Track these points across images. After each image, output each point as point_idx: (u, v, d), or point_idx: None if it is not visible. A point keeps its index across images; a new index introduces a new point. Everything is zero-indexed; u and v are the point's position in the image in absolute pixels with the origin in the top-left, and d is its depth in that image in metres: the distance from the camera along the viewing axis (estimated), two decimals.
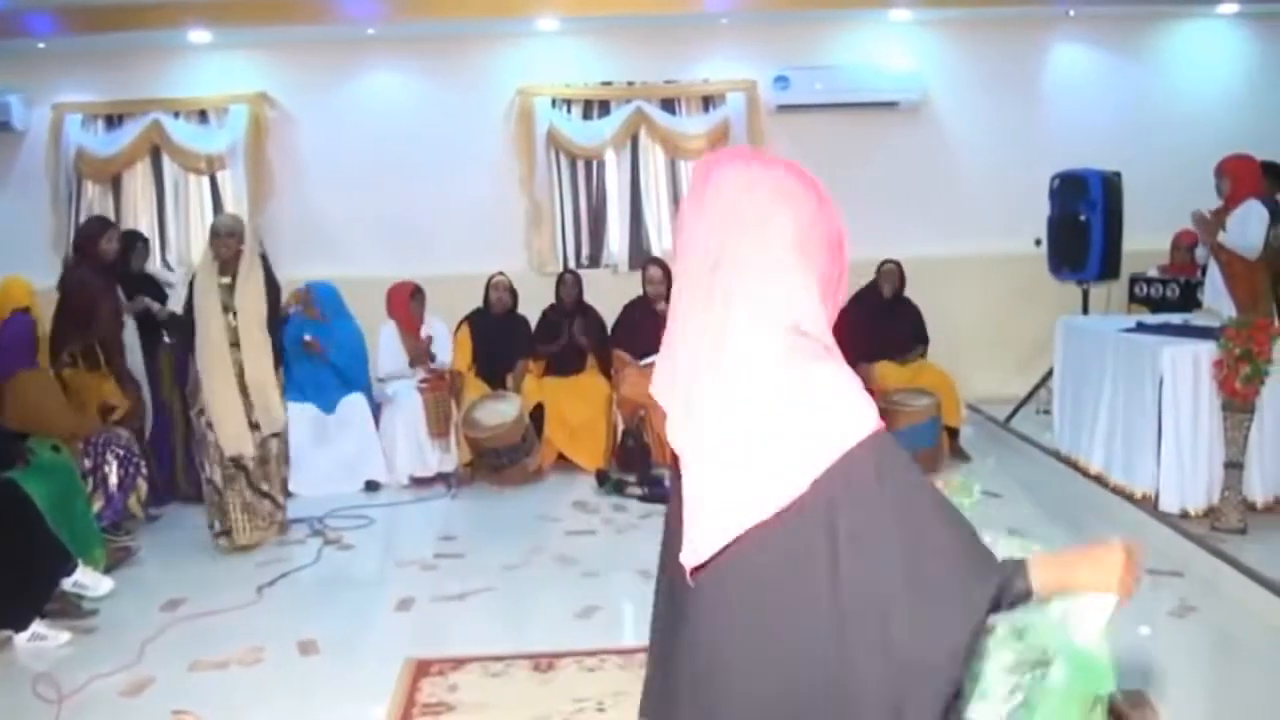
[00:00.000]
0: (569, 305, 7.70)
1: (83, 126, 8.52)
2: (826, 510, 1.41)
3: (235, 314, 5.76)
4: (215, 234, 5.83)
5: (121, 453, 5.79)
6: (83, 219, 8.33)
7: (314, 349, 7.03)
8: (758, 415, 1.45)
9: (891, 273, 7.59)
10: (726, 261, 1.54)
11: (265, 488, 5.91)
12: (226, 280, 5.80)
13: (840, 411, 1.45)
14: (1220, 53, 8.88)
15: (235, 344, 5.75)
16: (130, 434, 5.94)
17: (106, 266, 6.18)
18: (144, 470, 5.93)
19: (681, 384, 1.54)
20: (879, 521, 1.40)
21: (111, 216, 8.11)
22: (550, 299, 7.80)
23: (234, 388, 5.75)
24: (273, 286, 5.94)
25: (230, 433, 5.75)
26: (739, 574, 1.50)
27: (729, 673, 1.54)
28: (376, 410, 7.24)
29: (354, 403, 7.11)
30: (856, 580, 1.40)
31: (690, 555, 1.50)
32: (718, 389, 1.48)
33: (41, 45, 8.23)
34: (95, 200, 8.55)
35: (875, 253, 7.66)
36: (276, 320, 6.00)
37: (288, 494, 6.24)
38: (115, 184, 8.59)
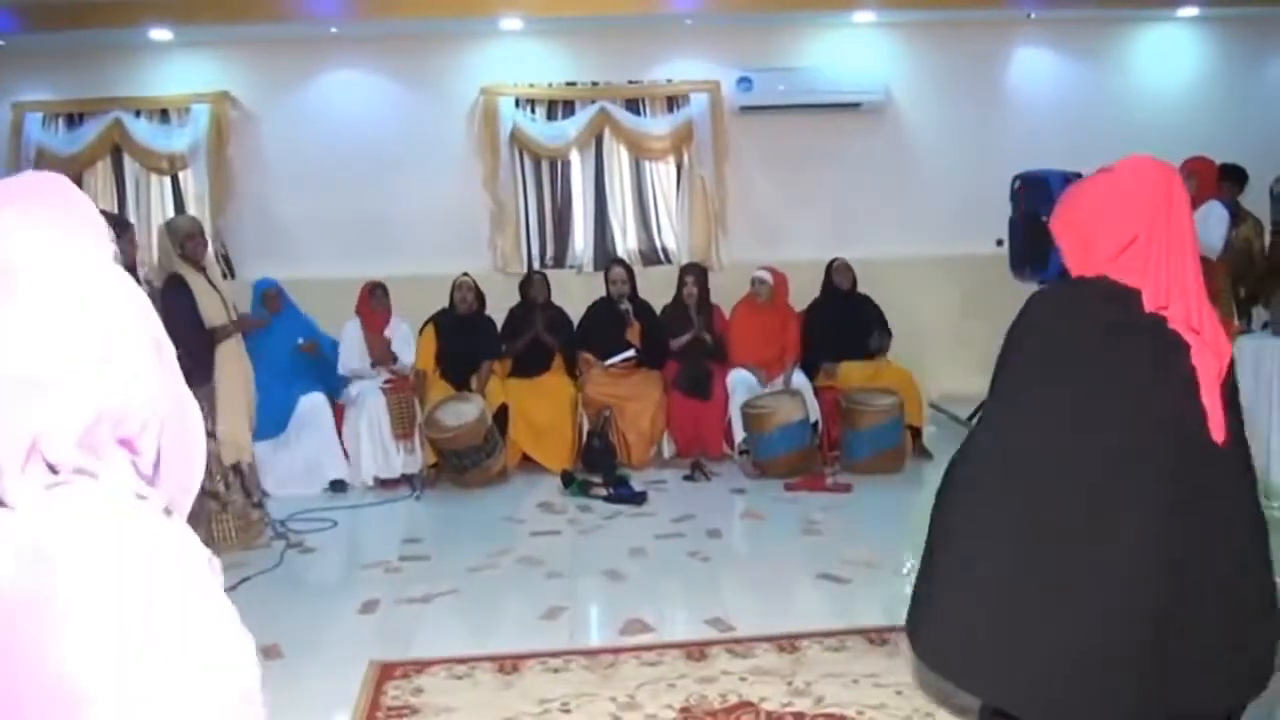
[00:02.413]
0: (536, 305, 7.70)
1: (43, 125, 8.43)
2: None
3: (236, 311, 5.86)
4: (188, 235, 5.72)
5: None
6: None
7: (312, 350, 7.05)
8: None
9: (844, 267, 7.68)
10: None
11: (256, 498, 5.96)
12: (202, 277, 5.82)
13: None
14: (1180, 56, 8.98)
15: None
16: None
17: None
18: None
19: None
20: None
21: None
22: (515, 299, 7.79)
23: (246, 390, 5.77)
24: None
25: (244, 439, 5.76)
26: None
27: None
28: (338, 411, 7.22)
29: (313, 401, 7.08)
30: None
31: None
32: None
33: (1, 43, 8.14)
34: None
35: (837, 253, 7.72)
36: None
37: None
38: (76, 183, 8.41)
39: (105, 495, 0.96)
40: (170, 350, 1.03)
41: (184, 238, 5.71)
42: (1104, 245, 2.36)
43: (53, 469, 0.94)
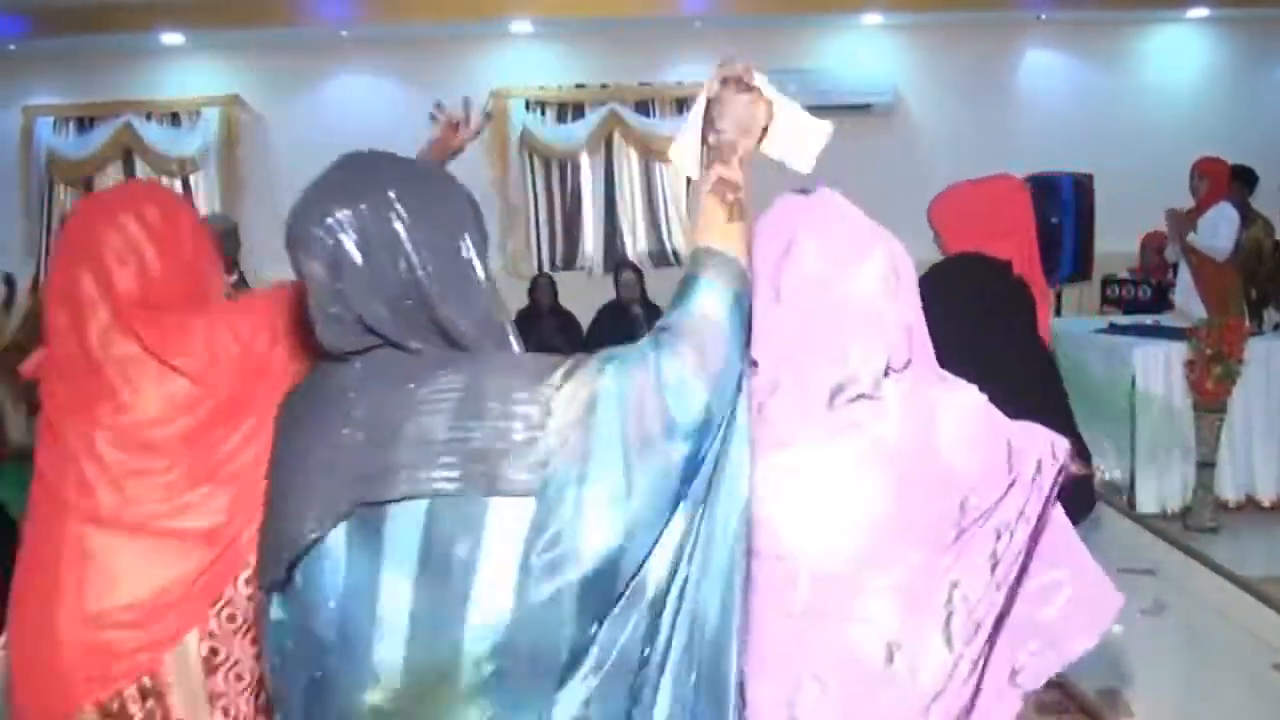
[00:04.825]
0: (544, 308, 7.69)
1: (54, 129, 8.46)
2: None
3: None
4: (224, 235, 5.75)
5: None
6: (54, 223, 8.29)
7: None
8: None
9: None
10: None
11: None
12: (233, 279, 5.82)
13: None
14: (1189, 56, 8.95)
15: None
16: None
17: None
18: None
19: None
20: None
21: None
22: (525, 302, 7.79)
23: None
24: None
25: None
26: None
27: None
28: None
29: None
30: None
31: None
32: None
33: (12, 47, 8.17)
34: (67, 204, 8.48)
35: None
36: None
37: None
38: (87, 187, 8.52)
39: (921, 380, 1.62)
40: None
41: (223, 236, 5.73)
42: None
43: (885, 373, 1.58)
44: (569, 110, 8.67)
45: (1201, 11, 8.70)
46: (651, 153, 8.66)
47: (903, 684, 1.52)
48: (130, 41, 8.18)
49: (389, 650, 1.24)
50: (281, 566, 1.33)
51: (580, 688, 1.24)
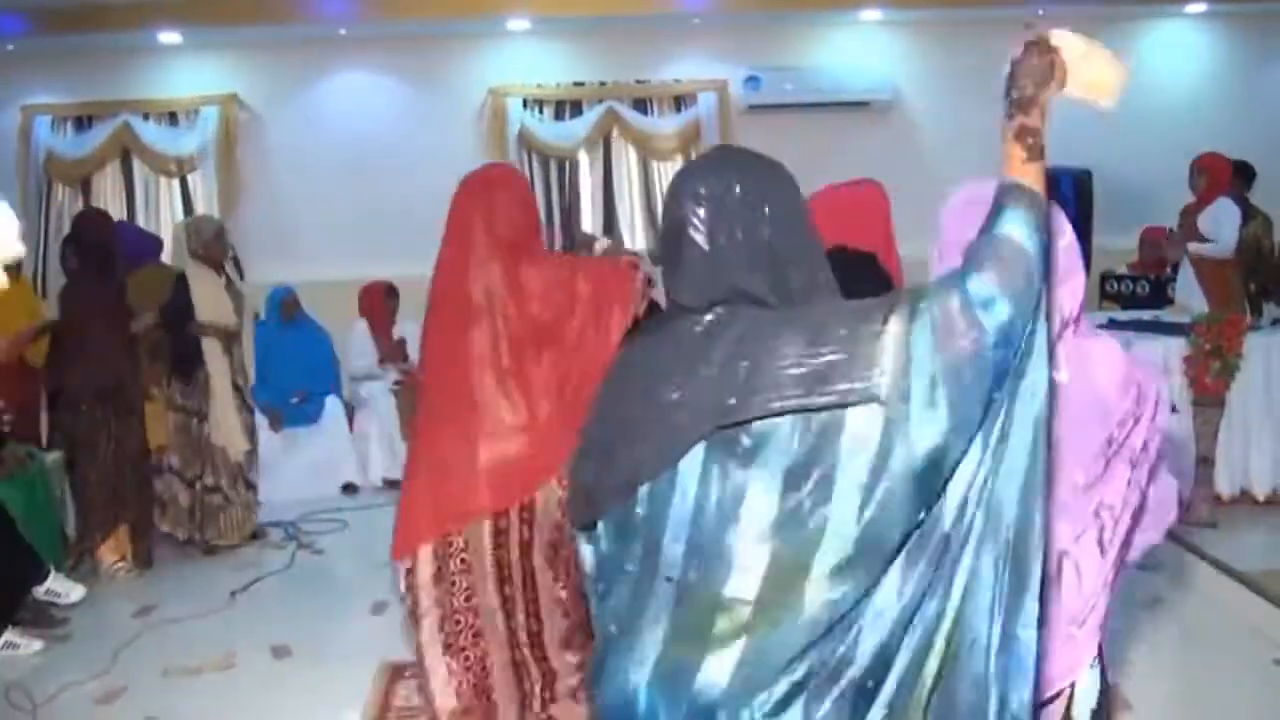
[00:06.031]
0: None
1: (52, 128, 8.45)
2: None
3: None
4: (215, 236, 5.82)
5: None
6: (52, 223, 8.29)
7: (302, 399, 7.07)
8: None
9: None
10: None
11: (245, 491, 5.98)
12: (223, 280, 5.86)
13: None
14: (1188, 52, 8.95)
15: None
16: None
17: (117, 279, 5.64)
18: None
19: None
20: None
21: None
22: None
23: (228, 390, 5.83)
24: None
25: (234, 434, 5.81)
26: None
27: None
28: (350, 412, 7.23)
29: (330, 403, 7.12)
30: None
31: None
32: None
33: (10, 46, 8.16)
34: (65, 203, 8.48)
35: None
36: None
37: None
38: (85, 186, 8.52)
39: (1079, 328, 2.01)
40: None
41: (210, 240, 5.77)
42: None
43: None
44: (567, 108, 8.67)
45: (1200, 7, 8.70)
46: (650, 150, 8.67)
47: (1070, 589, 1.96)
48: (128, 40, 8.17)
49: (754, 556, 1.50)
50: (631, 489, 1.62)
51: (899, 566, 1.50)
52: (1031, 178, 1.68)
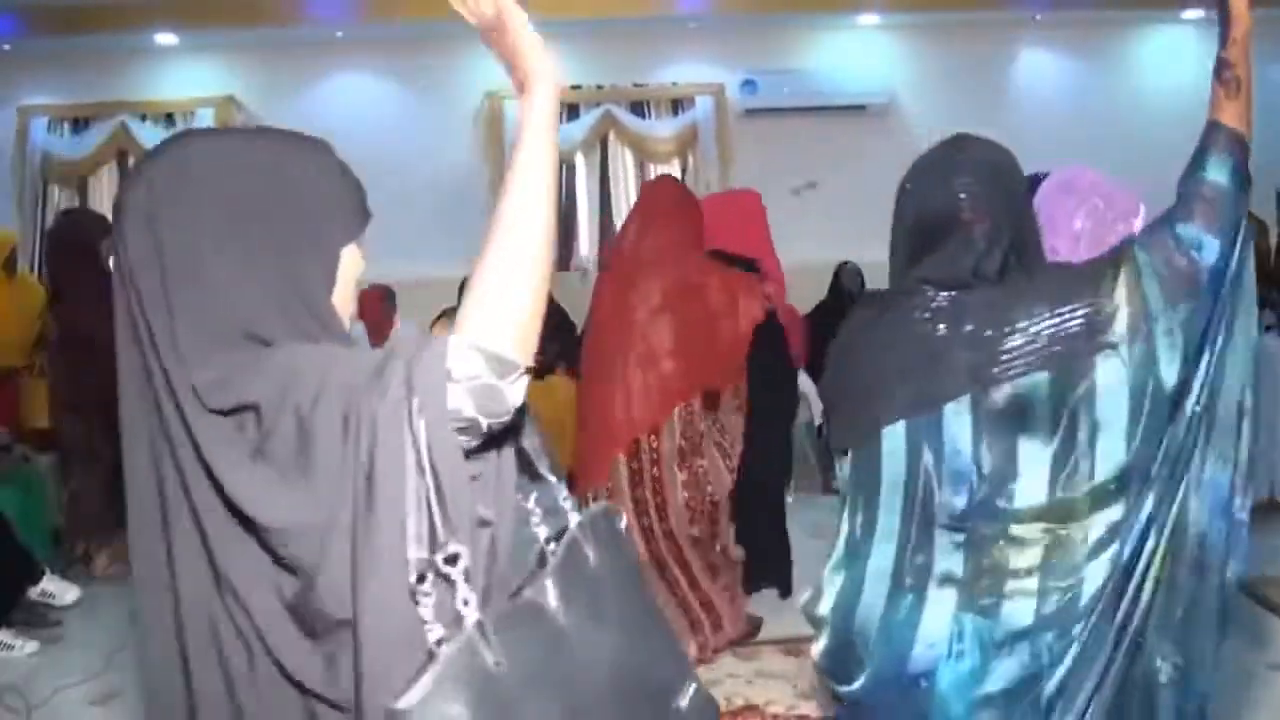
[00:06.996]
0: None
1: (49, 130, 8.44)
2: None
3: None
4: None
5: None
6: (48, 224, 8.24)
7: None
8: None
9: (855, 271, 7.64)
10: None
11: None
12: None
13: None
14: (1185, 58, 8.95)
15: None
16: None
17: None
18: None
19: None
20: None
21: None
22: None
23: None
24: None
25: None
26: None
27: None
28: None
29: None
30: None
31: None
32: None
33: (6, 47, 8.16)
34: (62, 204, 8.47)
35: (843, 256, 7.70)
36: None
37: None
38: (82, 188, 8.52)
39: None
40: None
41: None
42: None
43: None
44: (563, 111, 8.64)
45: (1197, 13, 8.71)
46: (646, 154, 8.67)
47: None
48: (125, 42, 8.17)
49: (1029, 499, 1.75)
50: (875, 430, 1.89)
51: (1142, 491, 1.76)
52: (1230, 115, 1.97)
